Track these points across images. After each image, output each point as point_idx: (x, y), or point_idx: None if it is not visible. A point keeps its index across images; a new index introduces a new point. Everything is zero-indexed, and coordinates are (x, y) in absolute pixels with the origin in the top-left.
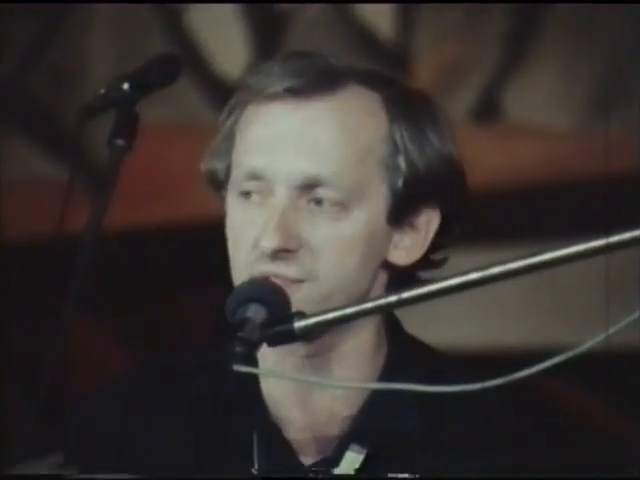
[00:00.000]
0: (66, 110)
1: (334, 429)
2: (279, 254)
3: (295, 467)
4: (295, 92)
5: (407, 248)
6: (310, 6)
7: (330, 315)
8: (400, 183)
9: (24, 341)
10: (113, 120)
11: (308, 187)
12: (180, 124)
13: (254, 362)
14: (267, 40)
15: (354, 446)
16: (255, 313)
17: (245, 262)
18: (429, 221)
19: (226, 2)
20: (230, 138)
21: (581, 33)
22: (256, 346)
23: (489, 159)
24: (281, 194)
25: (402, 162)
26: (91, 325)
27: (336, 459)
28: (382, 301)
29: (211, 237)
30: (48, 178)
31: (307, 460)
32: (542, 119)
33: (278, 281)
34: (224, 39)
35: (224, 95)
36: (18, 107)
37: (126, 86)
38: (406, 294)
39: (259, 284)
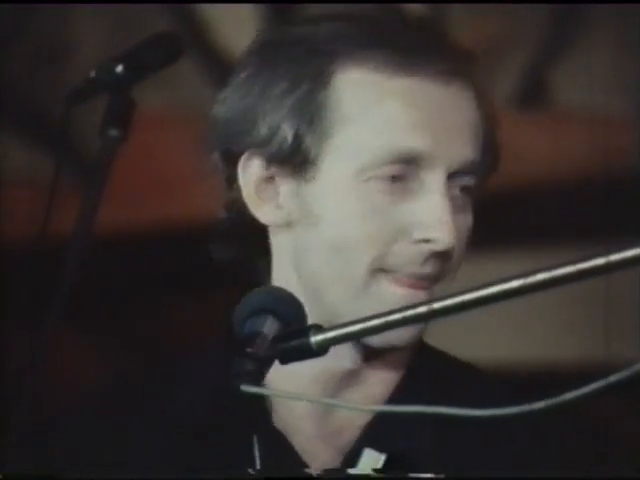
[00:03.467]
0: (52, 96)
1: (348, 436)
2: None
3: (302, 477)
4: (443, 72)
5: None
6: None
7: (351, 329)
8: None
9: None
10: (105, 107)
11: (459, 174)
12: (181, 112)
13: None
14: (279, 16)
15: (369, 450)
16: (267, 326)
17: (379, 261)
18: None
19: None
20: (312, 108)
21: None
22: (267, 364)
23: (534, 149)
24: (440, 181)
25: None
26: (78, 334)
27: (348, 467)
28: (410, 312)
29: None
30: (31, 173)
31: (315, 470)
32: (595, 104)
33: (411, 281)
34: (231, 14)
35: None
36: None
37: (120, 68)
38: (437, 304)
39: (271, 293)
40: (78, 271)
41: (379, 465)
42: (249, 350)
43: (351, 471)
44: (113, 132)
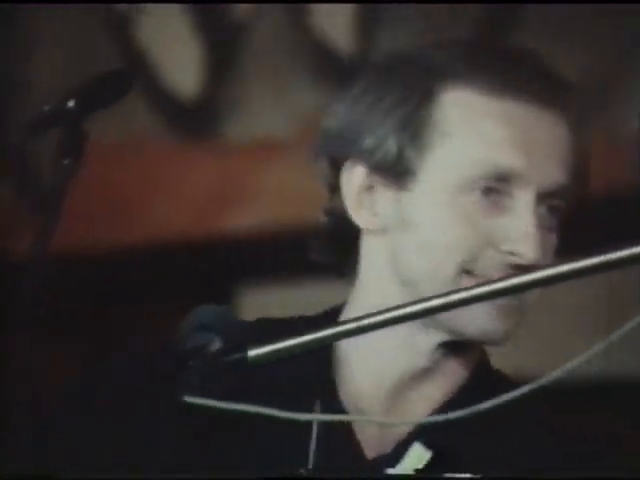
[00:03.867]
0: (10, 127)
1: (404, 427)
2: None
3: (356, 464)
4: (541, 99)
5: None
6: (264, 19)
7: (286, 344)
8: None
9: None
10: (58, 139)
11: (548, 195)
12: (131, 142)
13: (206, 393)
14: (220, 54)
15: (417, 445)
16: (210, 341)
17: (467, 264)
18: None
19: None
20: (417, 123)
21: (558, 35)
22: (208, 376)
23: None
24: (530, 200)
25: None
26: (40, 355)
27: (396, 457)
28: (341, 328)
29: (164, 261)
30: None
31: (367, 455)
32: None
33: None
34: (176, 52)
35: (176, 111)
36: None
37: (72, 103)
38: (366, 320)
39: (215, 311)
40: (35, 293)
41: (424, 461)
42: (191, 363)
43: (390, 470)
44: (66, 162)
